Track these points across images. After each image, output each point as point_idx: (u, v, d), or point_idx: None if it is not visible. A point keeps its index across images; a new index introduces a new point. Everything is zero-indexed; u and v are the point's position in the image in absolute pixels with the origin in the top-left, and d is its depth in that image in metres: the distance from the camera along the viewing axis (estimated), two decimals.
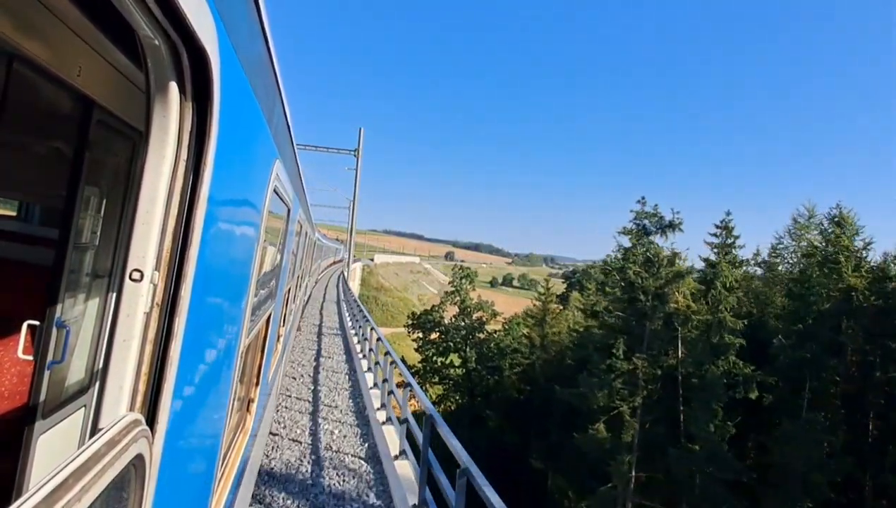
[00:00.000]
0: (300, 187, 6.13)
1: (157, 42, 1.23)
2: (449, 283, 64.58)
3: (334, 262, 77.44)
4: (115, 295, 1.83)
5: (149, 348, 1.31)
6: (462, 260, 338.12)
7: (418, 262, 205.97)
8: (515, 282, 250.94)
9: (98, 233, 3.57)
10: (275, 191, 2.99)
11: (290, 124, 3.65)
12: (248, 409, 4.11)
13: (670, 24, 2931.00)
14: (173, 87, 1.32)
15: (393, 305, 76.92)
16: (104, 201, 3.58)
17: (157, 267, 1.33)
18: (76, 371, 3.31)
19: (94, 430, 1.19)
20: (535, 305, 54.17)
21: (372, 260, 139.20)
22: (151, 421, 1.32)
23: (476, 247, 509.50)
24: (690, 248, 40.68)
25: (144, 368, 1.30)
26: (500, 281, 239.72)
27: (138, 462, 1.12)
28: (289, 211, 4.58)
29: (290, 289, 7.70)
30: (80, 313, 3.32)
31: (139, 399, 1.30)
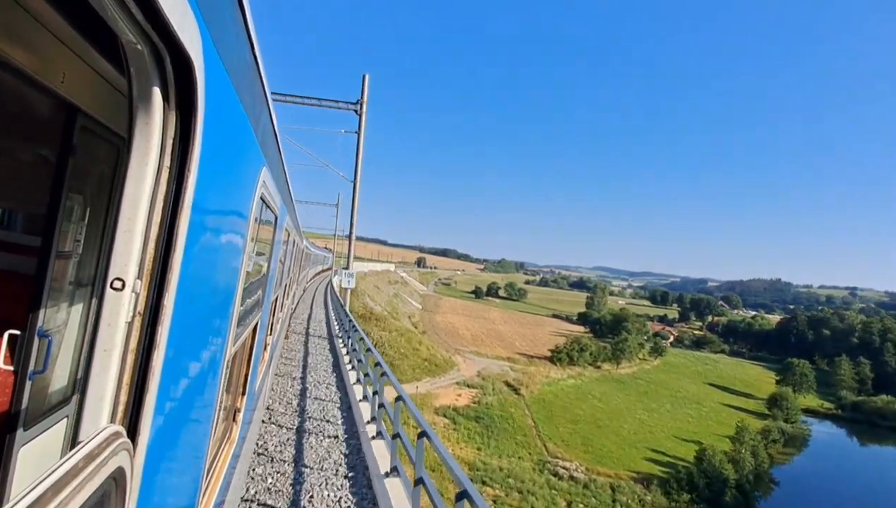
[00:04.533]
0: (288, 194, 6.39)
1: (140, 47, 1.25)
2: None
3: (322, 271, 76.11)
4: (96, 303, 1.83)
5: (131, 358, 1.33)
6: (434, 267, 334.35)
7: (393, 271, 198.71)
8: (502, 292, 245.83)
9: (81, 242, 3.56)
10: (261, 198, 3.12)
11: (276, 131, 3.71)
12: (234, 419, 4.17)
13: (642, 26, 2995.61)
14: (157, 94, 1.34)
15: (395, 343, 70.52)
16: (88, 209, 3.57)
17: (139, 276, 1.35)
18: (58, 381, 3.26)
19: (75, 443, 1.21)
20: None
21: (347, 268, 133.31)
22: (133, 432, 1.34)
23: (444, 253, 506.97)
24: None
25: (126, 378, 1.32)
26: (484, 290, 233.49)
27: (119, 475, 1.13)
28: (276, 218, 4.71)
29: (277, 298, 7.74)
30: (62, 322, 3.32)
31: (120, 410, 1.32)
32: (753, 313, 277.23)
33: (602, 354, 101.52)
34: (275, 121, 3.56)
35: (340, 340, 21.37)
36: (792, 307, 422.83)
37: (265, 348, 6.57)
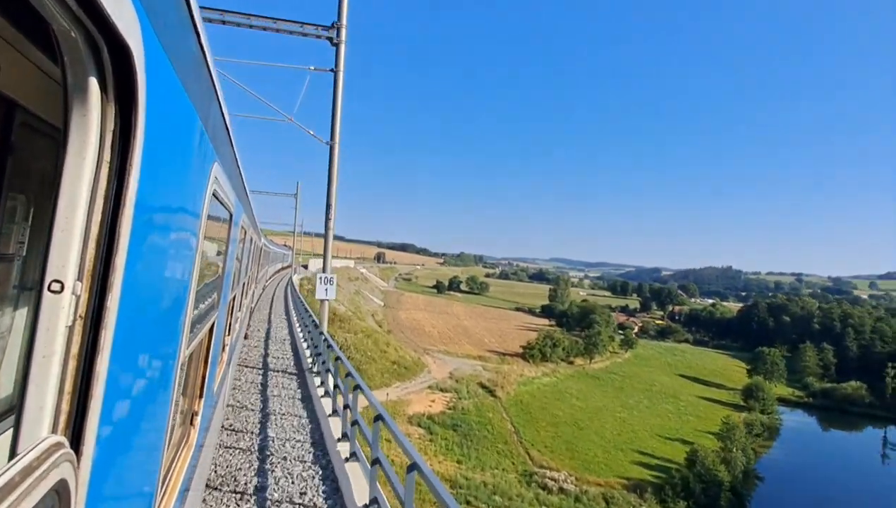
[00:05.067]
0: (243, 191, 6.24)
1: (73, 35, 1.19)
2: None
3: (282, 268, 75.02)
4: (33, 307, 1.81)
5: (72, 364, 1.26)
6: (394, 262, 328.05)
7: (353, 267, 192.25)
8: (463, 286, 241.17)
9: (25, 243, 3.52)
10: (214, 195, 3.03)
11: (228, 125, 3.61)
12: (191, 423, 4.10)
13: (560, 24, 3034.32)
14: (93, 85, 1.28)
15: (361, 346, 65.10)
16: (32, 209, 3.51)
17: (79, 278, 1.28)
18: (3, 389, 3.19)
19: (13, 456, 1.16)
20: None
21: (306, 266, 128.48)
22: (77, 442, 1.27)
23: (403, 248, 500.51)
24: None
25: (68, 386, 1.25)
26: (445, 285, 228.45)
27: (62, 488, 1.09)
28: (231, 216, 4.61)
29: (235, 297, 7.55)
30: (6, 328, 3.27)
31: (62, 419, 1.25)
32: (711, 301, 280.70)
33: (574, 349, 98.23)
34: (226, 114, 3.39)
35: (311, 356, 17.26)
36: (744, 293, 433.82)
37: (223, 349, 6.40)
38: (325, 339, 13.86)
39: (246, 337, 20.73)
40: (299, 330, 25.16)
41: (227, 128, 3.60)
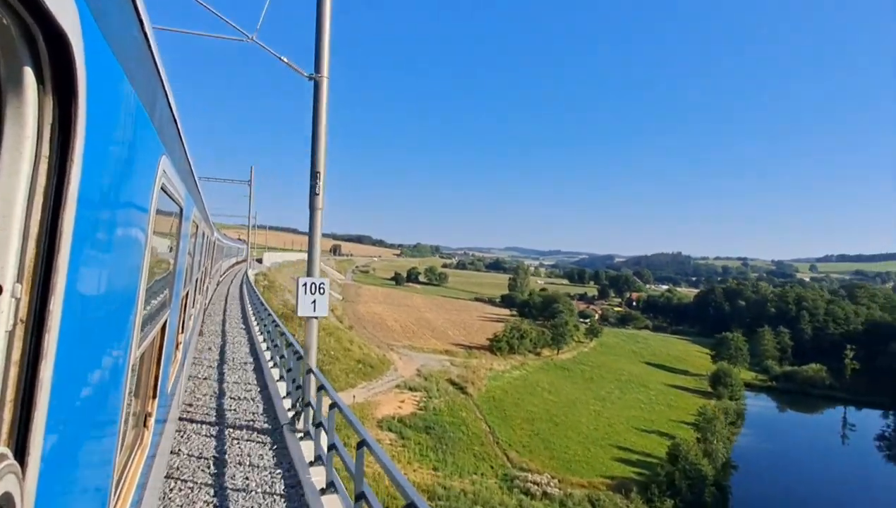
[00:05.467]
0: (193, 184, 6.16)
1: (5, 22, 1.13)
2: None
3: (237, 263, 73.17)
4: None
5: (13, 371, 1.20)
6: (350, 254, 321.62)
7: None
8: (422, 278, 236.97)
9: None
10: (163, 189, 2.98)
11: (176, 116, 3.54)
12: (145, 425, 4.06)
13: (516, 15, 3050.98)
14: (29, 75, 1.21)
15: (323, 344, 60.66)
16: None
17: (19, 280, 1.20)
18: None
19: None
20: None
21: (260, 260, 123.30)
22: (21, 453, 1.21)
23: (359, 240, 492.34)
24: None
25: (9, 395, 1.19)
26: (404, 276, 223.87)
27: (6, 502, 1.05)
28: (181, 210, 4.50)
29: (188, 294, 7.38)
30: None
31: (5, 430, 1.19)
32: (665, 287, 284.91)
33: (541, 340, 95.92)
34: (174, 106, 3.30)
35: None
36: (694, 279, 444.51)
37: (177, 347, 6.41)
38: (320, 386, 9.15)
39: (201, 334, 20.04)
40: (263, 344, 20.79)
41: (175, 119, 3.46)
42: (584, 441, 57.43)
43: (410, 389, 61.42)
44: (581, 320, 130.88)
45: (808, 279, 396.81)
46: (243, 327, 27.19)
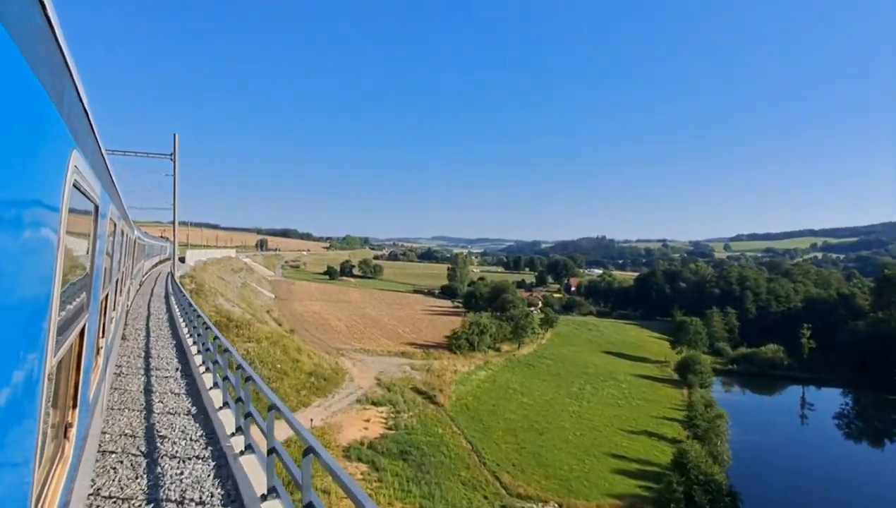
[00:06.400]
0: (110, 181, 5.84)
1: None
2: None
3: (160, 262, 70.46)
4: None
5: None
6: (277, 249, 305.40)
7: (235, 256, 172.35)
8: (356, 271, 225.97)
9: None
10: (75, 186, 2.84)
11: (88, 109, 3.30)
12: (66, 436, 3.86)
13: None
14: None
15: (267, 357, 51.11)
16: None
17: None
18: None
19: None
20: None
21: (183, 259, 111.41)
22: None
23: (285, 234, 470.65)
24: None
25: None
26: (338, 270, 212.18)
27: None
28: (97, 208, 4.30)
29: (108, 296, 7.15)
30: None
31: None
32: (598, 271, 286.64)
33: (500, 334, 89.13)
34: (84, 97, 3.07)
35: None
36: (620, 261, 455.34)
37: (98, 353, 6.08)
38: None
39: (124, 338, 18.91)
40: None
41: (87, 112, 3.23)
42: (575, 452, 50.70)
43: (374, 404, 52.68)
44: (530, 309, 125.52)
45: (725, 257, 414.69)
46: (173, 342, 20.72)
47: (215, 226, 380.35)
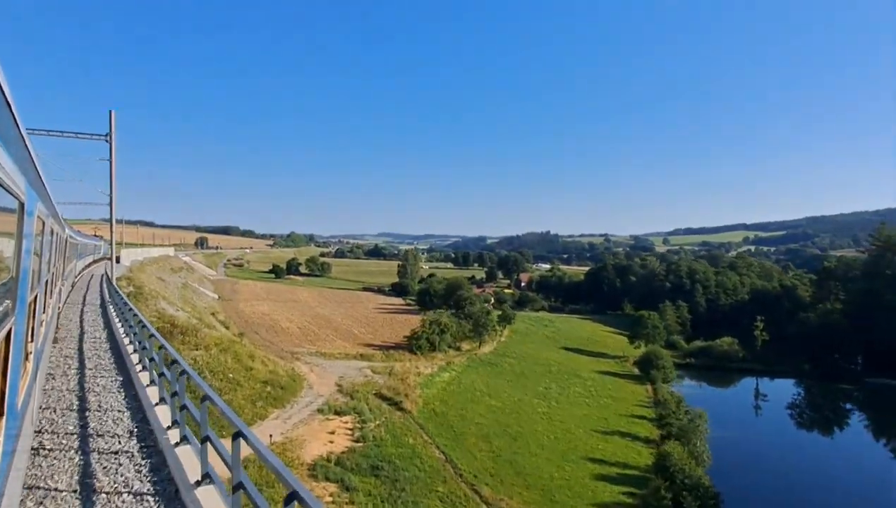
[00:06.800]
0: (37, 176, 5.44)
1: None
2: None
3: (94, 262, 66.99)
4: None
5: None
6: (218, 247, 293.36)
7: (174, 255, 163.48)
8: (303, 269, 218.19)
9: None
10: None
11: (9, 98, 3.05)
12: None
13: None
14: None
15: (218, 366, 46.24)
16: None
17: None
18: None
19: None
20: None
21: (118, 259, 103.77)
22: None
23: (225, 231, 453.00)
24: None
25: None
26: (284, 268, 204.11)
27: None
28: (22, 206, 4.06)
29: (36, 298, 6.81)
30: None
31: None
32: (546, 266, 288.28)
33: (460, 332, 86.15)
34: (5, 85, 2.83)
35: None
36: (565, 256, 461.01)
37: (27, 358, 5.78)
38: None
39: (56, 342, 17.85)
40: None
41: (8, 101, 2.93)
42: (552, 458, 48.17)
43: (337, 413, 48.58)
44: (486, 305, 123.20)
45: (664, 251, 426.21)
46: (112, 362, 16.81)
47: (151, 224, 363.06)
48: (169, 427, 9.57)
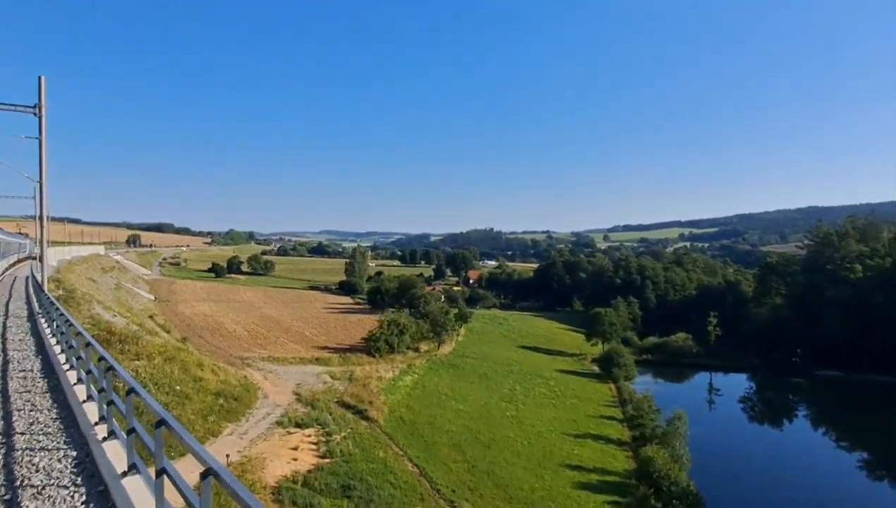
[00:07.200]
0: None
1: None
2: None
3: (18, 261, 64.35)
4: None
5: None
6: (152, 245, 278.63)
7: (104, 254, 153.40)
8: (245, 267, 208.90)
9: None
10: None
11: None
12: None
13: None
14: None
15: (163, 378, 41.38)
16: None
17: None
18: None
19: None
20: None
21: (39, 258, 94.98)
22: None
23: (159, 228, 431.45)
24: None
25: None
26: (225, 267, 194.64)
27: None
28: None
29: None
30: None
31: None
32: (492, 263, 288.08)
33: (418, 332, 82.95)
34: None
35: None
36: (509, 253, 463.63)
37: None
38: None
39: None
40: None
41: None
42: (529, 466, 45.70)
43: (298, 425, 44.47)
44: (441, 303, 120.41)
45: (605, 247, 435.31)
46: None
47: (78, 221, 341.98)
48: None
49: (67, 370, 14.59)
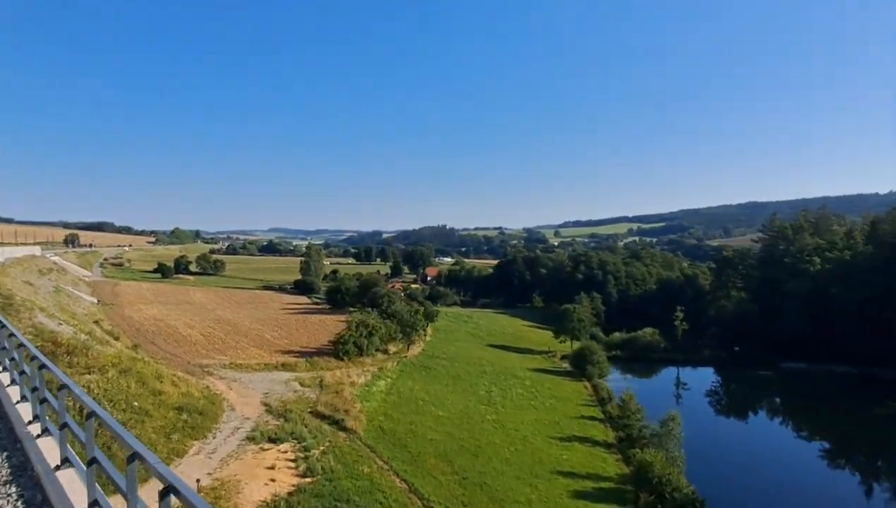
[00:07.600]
0: None
1: None
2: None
3: None
4: None
5: None
6: (92, 245, 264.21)
7: (40, 255, 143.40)
8: (194, 267, 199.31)
9: None
10: None
11: None
12: None
13: None
14: None
15: (118, 393, 37.01)
16: None
17: None
18: None
19: None
20: None
21: None
22: None
23: (99, 227, 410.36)
24: None
25: None
26: (172, 267, 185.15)
27: None
28: None
29: None
30: None
31: None
32: (449, 259, 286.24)
33: (387, 333, 79.53)
34: None
35: None
36: (463, 249, 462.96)
37: None
38: None
39: None
40: None
41: None
42: (521, 475, 43.22)
43: (271, 440, 40.63)
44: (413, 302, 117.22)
45: (557, 243, 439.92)
46: None
47: (10, 221, 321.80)
48: None
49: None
